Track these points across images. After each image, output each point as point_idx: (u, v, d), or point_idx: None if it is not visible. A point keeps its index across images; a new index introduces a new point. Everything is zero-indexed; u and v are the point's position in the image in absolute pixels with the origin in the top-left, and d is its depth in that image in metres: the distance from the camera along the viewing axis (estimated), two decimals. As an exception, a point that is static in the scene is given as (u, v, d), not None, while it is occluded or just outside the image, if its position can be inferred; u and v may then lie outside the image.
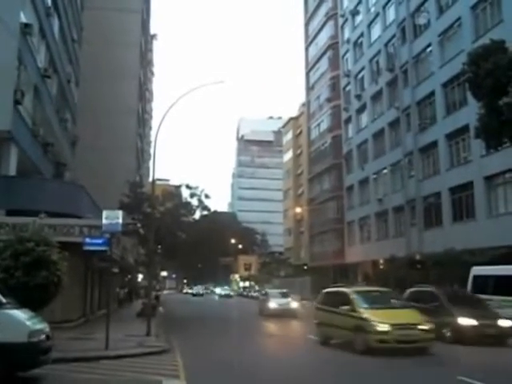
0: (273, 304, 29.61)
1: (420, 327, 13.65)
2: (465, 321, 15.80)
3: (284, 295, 32.10)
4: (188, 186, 36.23)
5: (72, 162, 32.12)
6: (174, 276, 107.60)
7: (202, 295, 78.41)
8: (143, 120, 62.55)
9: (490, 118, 17.45)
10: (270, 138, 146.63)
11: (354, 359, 13.15)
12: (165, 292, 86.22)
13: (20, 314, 9.51)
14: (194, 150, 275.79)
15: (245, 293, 77.68)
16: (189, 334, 20.25)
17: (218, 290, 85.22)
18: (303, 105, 73.54)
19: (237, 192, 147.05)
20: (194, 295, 77.42)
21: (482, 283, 21.23)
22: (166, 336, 17.45)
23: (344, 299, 15.22)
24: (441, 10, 35.98)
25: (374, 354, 13.05)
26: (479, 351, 14.42)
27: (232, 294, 77.05)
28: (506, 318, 16.01)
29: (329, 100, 58.42)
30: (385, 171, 43.64)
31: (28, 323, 9.33)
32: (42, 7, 22.35)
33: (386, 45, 44.36)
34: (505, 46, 17.99)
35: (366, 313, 14.09)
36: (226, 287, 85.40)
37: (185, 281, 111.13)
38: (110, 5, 47.11)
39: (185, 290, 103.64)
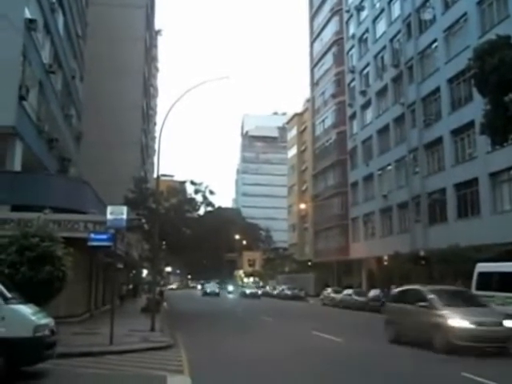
0: (464, 322, 13.59)
1: None
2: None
3: (471, 301, 15.68)
4: (192, 182, 36.20)
5: (77, 158, 32.17)
6: (178, 272, 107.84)
7: (217, 295, 60.20)
8: (148, 116, 62.54)
9: (495, 114, 17.37)
10: (275, 133, 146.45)
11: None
12: (169, 287, 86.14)
13: (25, 309, 9.55)
14: (198, 145, 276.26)
15: (271, 290, 62.25)
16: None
17: (230, 288, 72.95)
18: (308, 101, 73.39)
19: (241, 188, 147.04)
20: (206, 294, 59.76)
21: (487, 280, 21.18)
22: (171, 331, 17.51)
23: None
24: (446, 6, 35.79)
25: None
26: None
27: (260, 292, 59.86)
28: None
29: (333, 96, 58.28)
30: (389, 167, 43.53)
31: (33, 318, 9.37)
32: (46, 3, 22.34)
33: (391, 40, 44.18)
34: (511, 41, 17.88)
35: None
36: (249, 283, 70.72)
37: (189, 276, 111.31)
38: (115, 0, 47.05)
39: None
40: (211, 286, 63.60)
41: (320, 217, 61.00)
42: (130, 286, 44.73)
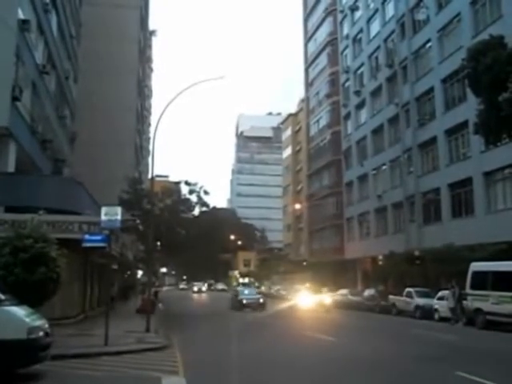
0: None
1: None
2: None
3: None
4: (187, 183, 36.17)
5: (71, 159, 32.07)
6: (173, 273, 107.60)
7: (261, 306, 33.72)
8: (142, 116, 62.42)
9: (489, 113, 17.45)
10: (269, 134, 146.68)
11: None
12: (164, 289, 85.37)
13: (19, 311, 9.50)
14: (193, 146, 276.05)
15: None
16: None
17: (247, 291, 43.72)
18: (302, 101, 73.43)
19: (236, 188, 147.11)
20: (242, 305, 33.37)
21: (481, 279, 21.25)
22: (166, 332, 17.46)
23: None
24: (440, 6, 35.89)
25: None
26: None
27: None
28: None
29: (328, 96, 58.36)
30: (384, 167, 43.61)
31: (27, 320, 9.32)
32: (39, 3, 22.24)
33: (385, 40, 44.28)
34: (504, 41, 17.99)
35: None
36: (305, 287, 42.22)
37: (184, 277, 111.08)
38: (109, 1, 46.98)
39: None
40: (249, 292, 37.55)
41: (315, 217, 61.06)
42: (120, 287, 44.00)
